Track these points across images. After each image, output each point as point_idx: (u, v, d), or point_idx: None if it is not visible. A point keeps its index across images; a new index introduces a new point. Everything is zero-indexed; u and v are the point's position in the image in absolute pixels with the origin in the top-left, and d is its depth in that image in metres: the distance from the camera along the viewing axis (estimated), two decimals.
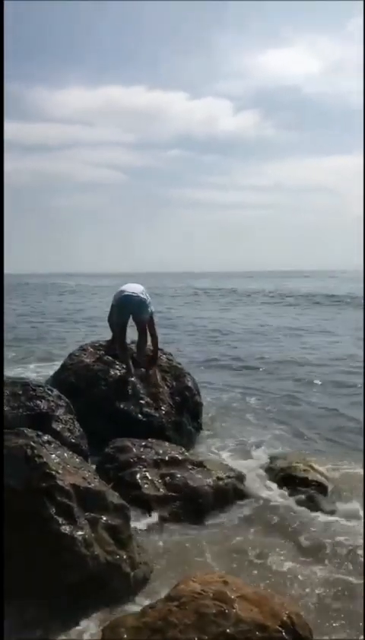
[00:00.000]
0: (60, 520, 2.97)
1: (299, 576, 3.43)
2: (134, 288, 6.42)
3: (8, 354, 11.32)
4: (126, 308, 6.32)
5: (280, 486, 4.61)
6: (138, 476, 4.22)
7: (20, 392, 4.64)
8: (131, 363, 6.20)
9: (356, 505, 4.41)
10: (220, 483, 4.43)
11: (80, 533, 3.00)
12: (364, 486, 4.64)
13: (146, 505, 4.04)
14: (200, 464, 4.58)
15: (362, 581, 3.36)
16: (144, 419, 5.62)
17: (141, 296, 6.32)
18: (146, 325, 6.36)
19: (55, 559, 2.93)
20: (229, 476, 4.54)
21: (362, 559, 3.60)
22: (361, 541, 3.82)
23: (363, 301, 22.97)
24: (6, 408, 4.39)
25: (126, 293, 6.34)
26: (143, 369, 6.19)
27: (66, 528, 2.96)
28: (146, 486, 4.16)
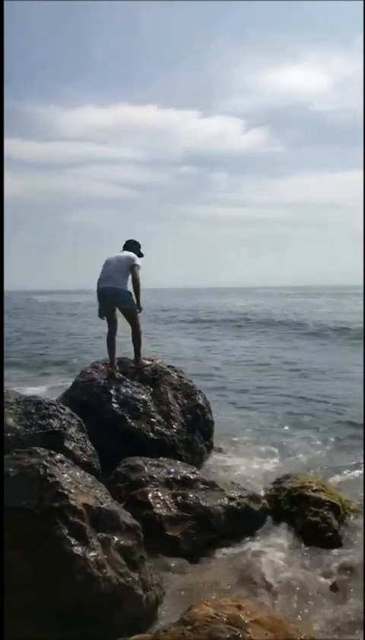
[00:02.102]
0: (72, 540, 2.95)
1: (313, 599, 3.38)
2: (112, 278, 6.02)
3: None
4: (104, 303, 6.18)
5: (292, 506, 4.56)
6: (150, 495, 4.20)
7: (33, 410, 4.65)
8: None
9: None
10: (232, 503, 4.39)
11: (92, 554, 2.97)
12: (364, 485, 4.59)
13: (158, 525, 4.01)
14: (212, 484, 4.54)
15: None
16: (156, 438, 5.60)
17: (118, 286, 6.01)
18: (134, 317, 6.17)
19: (67, 580, 2.91)
20: (241, 496, 4.50)
21: None
22: None
23: (362, 317, 22.81)
24: (18, 427, 4.40)
25: (102, 286, 6.14)
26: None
27: (78, 549, 2.94)
28: (158, 505, 4.13)
